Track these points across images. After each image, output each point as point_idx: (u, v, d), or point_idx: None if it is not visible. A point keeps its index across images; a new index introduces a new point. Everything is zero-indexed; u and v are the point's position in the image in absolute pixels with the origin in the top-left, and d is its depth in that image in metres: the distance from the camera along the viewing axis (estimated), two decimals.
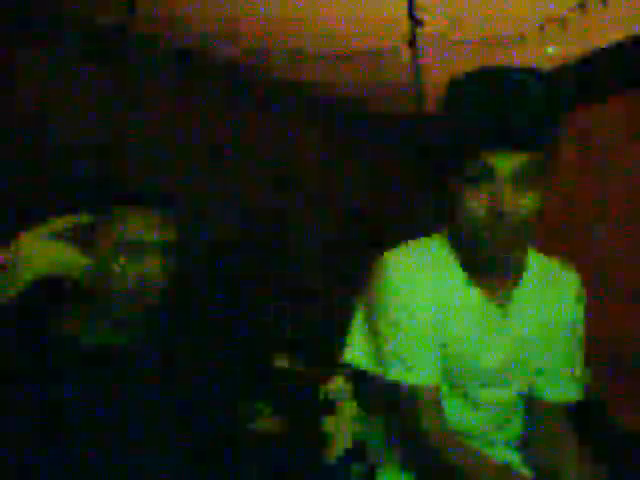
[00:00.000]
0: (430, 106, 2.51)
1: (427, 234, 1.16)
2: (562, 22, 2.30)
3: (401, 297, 1.07)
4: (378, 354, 1.09)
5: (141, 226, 1.00)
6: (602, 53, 2.57)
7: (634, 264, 2.41)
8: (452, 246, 1.10)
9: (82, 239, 0.93)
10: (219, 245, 2.80)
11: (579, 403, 1.13)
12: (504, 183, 0.94)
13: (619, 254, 2.45)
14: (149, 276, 1.00)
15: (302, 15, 2.40)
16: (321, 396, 1.13)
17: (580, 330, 1.14)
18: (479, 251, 1.01)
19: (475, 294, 1.07)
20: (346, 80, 2.97)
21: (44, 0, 2.38)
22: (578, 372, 1.13)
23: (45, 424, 0.93)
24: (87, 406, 0.96)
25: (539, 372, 1.12)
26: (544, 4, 2.27)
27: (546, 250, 1.15)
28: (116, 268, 0.98)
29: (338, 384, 1.13)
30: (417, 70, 2.39)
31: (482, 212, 0.95)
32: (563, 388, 1.12)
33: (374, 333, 1.11)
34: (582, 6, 2.20)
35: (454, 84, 1.00)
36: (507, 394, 1.11)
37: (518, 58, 2.55)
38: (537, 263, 1.12)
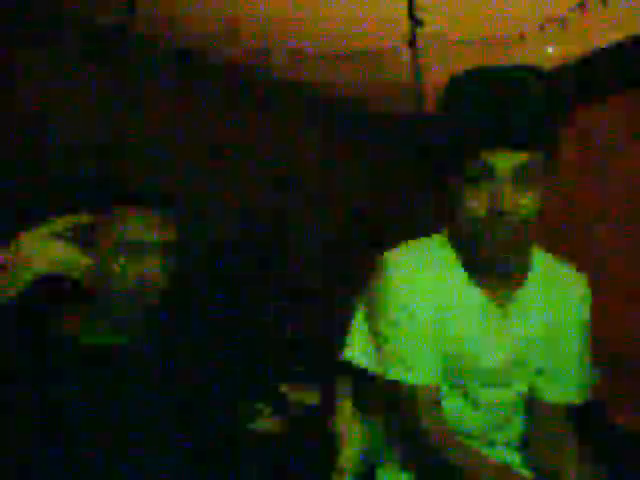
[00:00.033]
0: (430, 106, 2.51)
1: (427, 234, 1.16)
2: (562, 22, 2.30)
3: (401, 297, 1.07)
4: (378, 354, 1.09)
5: (141, 226, 1.00)
6: (602, 53, 2.57)
7: (634, 264, 2.41)
8: (452, 246, 1.10)
9: (82, 239, 0.93)
10: (219, 245, 2.80)
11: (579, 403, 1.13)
12: (504, 183, 0.94)
13: (619, 254, 2.46)
14: (149, 276, 1.00)
15: (302, 15, 2.40)
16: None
17: (585, 332, 1.13)
18: (479, 251, 1.01)
19: (476, 294, 1.07)
20: (346, 80, 2.96)
21: (44, 0, 2.38)
22: (582, 374, 1.12)
23: (45, 424, 0.93)
24: (87, 406, 0.96)
25: (541, 373, 1.11)
26: (544, 4, 2.27)
27: (546, 250, 1.15)
28: (116, 268, 0.98)
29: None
30: (417, 70, 2.38)
31: (482, 212, 0.95)
32: (565, 390, 1.11)
33: (374, 333, 1.11)
34: (582, 6, 2.20)
35: (454, 83, 1.00)
36: (508, 394, 1.11)
37: (518, 58, 2.55)
38: (543, 263, 1.11)
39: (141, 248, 1.00)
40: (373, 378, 1.11)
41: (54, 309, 1.01)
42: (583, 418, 1.13)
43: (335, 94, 3.17)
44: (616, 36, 2.50)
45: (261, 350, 2.51)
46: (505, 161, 0.93)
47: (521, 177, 0.94)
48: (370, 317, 1.13)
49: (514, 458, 1.17)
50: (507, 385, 1.10)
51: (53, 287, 0.95)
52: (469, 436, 1.11)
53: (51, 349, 0.97)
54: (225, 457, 1.11)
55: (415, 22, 2.18)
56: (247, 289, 2.84)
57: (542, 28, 2.37)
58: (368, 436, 1.25)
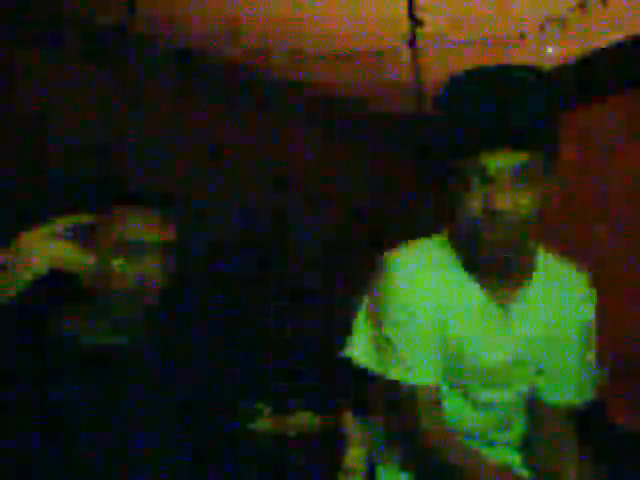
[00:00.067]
0: (430, 106, 2.51)
1: (427, 234, 1.16)
2: (562, 22, 2.30)
3: (402, 297, 1.07)
4: (379, 353, 1.09)
5: (141, 226, 1.01)
6: (602, 53, 2.57)
7: (634, 264, 2.41)
8: (452, 246, 1.10)
9: (82, 239, 0.93)
10: (219, 245, 2.80)
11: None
12: (503, 183, 0.94)
13: (619, 254, 2.46)
14: (149, 276, 1.00)
15: (302, 15, 2.40)
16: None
17: (590, 332, 1.11)
18: (479, 251, 1.01)
19: (476, 294, 1.07)
20: (346, 80, 2.96)
21: (44, 0, 2.38)
22: (584, 375, 1.11)
23: (45, 424, 0.93)
24: (87, 406, 0.96)
25: (542, 374, 1.11)
26: (544, 4, 2.27)
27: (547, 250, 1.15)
28: (116, 268, 0.98)
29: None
30: (417, 70, 2.39)
31: (480, 212, 0.95)
32: (566, 391, 1.11)
33: (376, 333, 1.11)
34: (582, 6, 2.20)
35: (453, 83, 1.00)
36: (508, 395, 1.11)
37: (518, 58, 2.55)
38: (547, 263, 1.10)
39: (141, 248, 1.00)
40: (374, 378, 1.11)
41: (54, 309, 1.01)
42: (583, 418, 1.12)
43: (335, 94, 3.16)
44: (616, 36, 2.50)
45: (261, 350, 2.51)
46: (503, 161, 0.93)
47: (520, 177, 0.94)
48: (371, 317, 1.13)
49: (514, 458, 1.17)
50: (507, 385, 1.10)
51: (53, 287, 0.95)
52: (469, 436, 1.11)
53: (51, 349, 0.97)
54: (225, 457, 1.11)
55: (415, 22, 2.18)
56: (247, 289, 2.83)
57: (542, 28, 2.37)
58: (368, 436, 1.24)
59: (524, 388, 1.11)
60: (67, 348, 0.99)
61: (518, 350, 1.07)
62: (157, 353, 1.08)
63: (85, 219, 0.95)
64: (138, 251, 1.00)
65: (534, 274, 1.09)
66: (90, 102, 2.52)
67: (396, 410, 1.12)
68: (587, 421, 1.13)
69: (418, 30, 2.21)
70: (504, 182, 0.93)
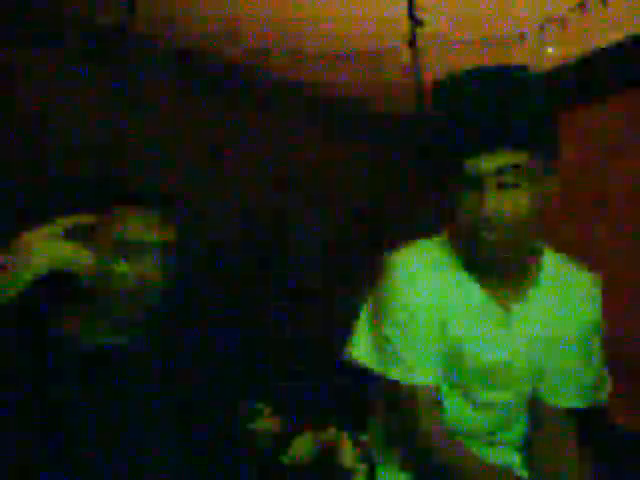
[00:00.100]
0: (430, 106, 2.50)
1: (427, 234, 1.16)
2: (562, 22, 2.30)
3: (402, 297, 1.07)
4: (379, 353, 1.10)
5: (141, 226, 1.01)
6: (602, 53, 2.56)
7: (634, 264, 2.41)
8: (453, 246, 1.10)
9: (82, 239, 0.93)
10: (219, 245, 2.80)
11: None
12: (503, 183, 0.94)
13: (619, 254, 2.45)
14: (149, 276, 1.00)
15: (302, 15, 2.40)
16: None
17: (594, 335, 1.10)
18: (479, 251, 1.01)
19: (476, 293, 1.07)
20: (346, 80, 2.96)
21: (44, 0, 2.38)
22: (588, 378, 1.10)
23: (45, 424, 0.93)
24: (87, 406, 0.96)
25: (544, 375, 1.10)
26: (544, 4, 2.26)
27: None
28: (116, 268, 0.98)
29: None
30: (417, 70, 2.38)
31: (481, 212, 0.95)
32: (568, 394, 1.09)
33: (377, 332, 1.11)
34: (582, 6, 2.20)
35: (451, 82, 1.00)
36: (509, 395, 1.10)
37: (518, 58, 2.55)
38: (553, 263, 1.10)
39: (141, 248, 1.00)
40: (376, 378, 1.11)
41: (54, 309, 1.01)
42: (583, 418, 1.12)
43: (335, 94, 3.16)
44: (616, 36, 2.50)
45: (261, 350, 2.50)
46: (502, 161, 0.93)
47: (519, 177, 0.93)
48: (372, 317, 1.14)
49: (515, 458, 1.17)
50: (508, 386, 1.10)
51: (53, 287, 0.95)
52: (469, 436, 1.11)
53: (51, 349, 0.97)
54: (225, 457, 1.11)
55: (415, 22, 2.17)
56: (247, 289, 2.83)
57: (542, 28, 2.37)
58: (369, 436, 1.25)
59: (525, 389, 1.11)
60: (67, 348, 0.99)
61: (519, 350, 1.07)
62: (157, 353, 1.08)
63: (85, 219, 0.95)
64: (138, 251, 1.00)
65: (539, 274, 1.08)
66: (90, 102, 2.52)
67: (396, 410, 1.12)
68: (587, 421, 1.12)
69: (418, 30, 2.21)
70: (504, 182, 0.93)
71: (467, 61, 2.52)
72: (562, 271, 1.10)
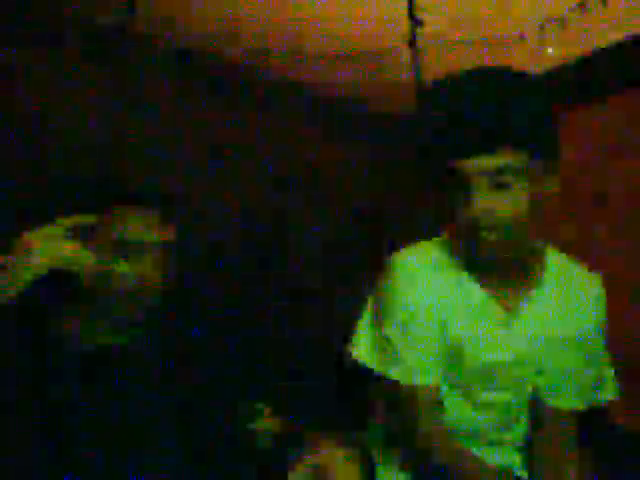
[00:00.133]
0: (429, 105, 2.50)
1: (428, 234, 1.16)
2: (562, 22, 2.30)
3: (403, 298, 1.07)
4: (380, 353, 1.10)
5: (141, 226, 1.01)
6: (602, 53, 2.56)
7: (634, 264, 2.41)
8: (453, 246, 1.10)
9: (82, 239, 0.93)
10: (219, 245, 2.80)
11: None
12: (496, 183, 0.94)
13: (619, 254, 2.45)
14: (149, 276, 1.00)
15: (302, 15, 2.40)
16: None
17: (598, 337, 1.10)
18: (479, 251, 1.01)
19: (477, 293, 1.07)
20: (346, 80, 2.96)
21: (44, 0, 2.38)
22: (589, 379, 1.09)
23: (45, 424, 0.93)
24: (87, 406, 0.96)
25: (546, 376, 1.10)
26: (544, 4, 2.26)
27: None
28: (116, 268, 0.98)
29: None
30: (417, 70, 2.38)
31: (480, 212, 0.95)
32: (570, 395, 1.09)
33: (377, 333, 1.11)
34: (582, 6, 2.19)
35: (450, 82, 1.00)
36: (509, 395, 1.10)
37: (518, 58, 2.55)
38: (557, 264, 1.09)
39: (141, 248, 1.00)
40: (377, 378, 1.11)
41: (54, 309, 1.01)
42: (583, 418, 1.12)
43: (335, 94, 3.16)
44: (616, 36, 2.49)
45: (261, 350, 2.50)
46: (502, 161, 0.93)
47: (518, 178, 0.93)
48: (373, 317, 1.14)
49: (515, 459, 1.17)
50: (508, 386, 1.09)
51: (53, 287, 0.95)
52: (470, 436, 1.11)
53: (51, 349, 0.97)
54: (225, 457, 1.11)
55: (415, 22, 2.17)
56: (247, 289, 2.83)
57: (542, 28, 2.37)
58: (369, 436, 1.25)
59: (526, 389, 1.11)
60: (67, 348, 0.99)
61: (520, 351, 1.07)
62: (157, 353, 1.08)
63: (85, 219, 0.95)
64: (138, 251, 1.00)
65: (542, 274, 1.08)
66: (90, 102, 2.52)
67: (396, 410, 1.12)
68: (587, 421, 1.12)
69: (418, 30, 2.21)
70: (497, 183, 0.93)
71: (467, 61, 2.51)
72: (566, 271, 1.10)
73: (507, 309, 1.07)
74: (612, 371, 1.13)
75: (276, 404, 1.15)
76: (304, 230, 3.16)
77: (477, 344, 1.06)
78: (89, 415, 0.96)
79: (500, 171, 0.92)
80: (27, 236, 0.89)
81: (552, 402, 1.10)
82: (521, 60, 2.58)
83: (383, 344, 1.09)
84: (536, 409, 1.13)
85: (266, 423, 1.11)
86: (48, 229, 0.90)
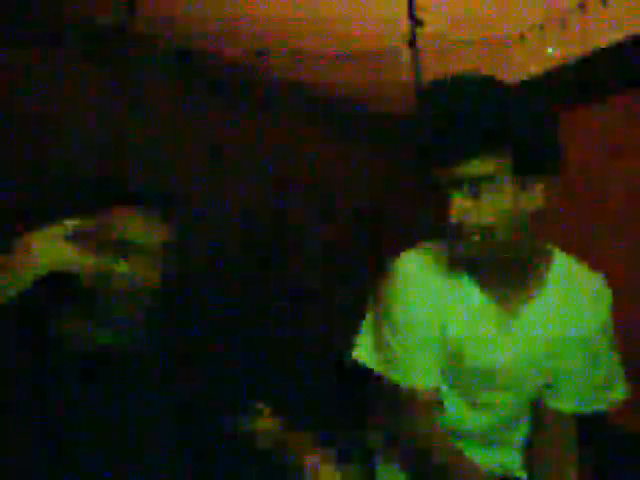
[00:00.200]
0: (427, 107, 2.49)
1: (428, 234, 1.16)
2: (562, 22, 2.30)
3: (402, 302, 1.07)
4: (380, 355, 1.10)
5: (141, 226, 1.01)
6: (602, 53, 2.56)
7: (634, 264, 2.41)
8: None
9: (83, 241, 0.93)
10: (219, 245, 2.80)
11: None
12: (473, 192, 0.94)
13: (619, 254, 2.45)
14: (149, 276, 1.00)
15: (302, 15, 2.40)
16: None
17: (603, 338, 1.09)
18: (465, 252, 1.00)
19: (476, 295, 1.07)
20: (346, 80, 2.96)
21: (44, 0, 2.38)
22: (594, 381, 1.08)
23: (45, 424, 0.93)
24: (87, 406, 0.96)
25: (547, 378, 1.09)
26: (544, 4, 2.26)
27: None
28: (116, 268, 0.98)
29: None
30: (417, 70, 2.38)
31: (455, 220, 0.95)
32: (573, 398, 1.09)
33: (378, 335, 1.11)
34: (582, 6, 2.19)
35: (427, 94, 1.01)
36: (510, 397, 1.10)
37: (518, 58, 2.55)
38: (562, 265, 1.09)
39: (141, 248, 1.00)
40: (377, 378, 1.12)
41: (54, 309, 1.01)
42: (583, 418, 1.12)
43: (335, 94, 3.16)
44: (616, 36, 2.49)
45: (261, 350, 2.50)
46: (459, 173, 0.93)
47: (480, 189, 0.94)
48: (375, 319, 1.14)
49: (515, 459, 1.17)
50: (508, 387, 1.09)
51: (53, 287, 0.95)
52: (470, 436, 1.11)
53: (51, 349, 0.97)
54: (225, 457, 1.11)
55: (415, 22, 2.17)
56: (247, 289, 2.83)
57: (542, 28, 2.37)
58: (369, 436, 1.25)
59: (527, 390, 1.10)
60: (67, 348, 0.99)
61: (520, 352, 1.07)
62: (157, 353, 1.08)
63: (86, 222, 0.95)
64: (138, 251, 1.00)
65: (547, 275, 1.07)
66: (90, 102, 2.52)
67: (396, 411, 1.12)
68: (587, 421, 1.12)
69: (418, 30, 2.21)
70: (478, 191, 0.94)
71: (467, 61, 2.52)
72: (570, 272, 1.09)
73: (508, 311, 1.07)
74: (621, 370, 1.12)
75: (276, 404, 1.15)
76: (304, 230, 3.16)
77: (477, 346, 1.06)
78: (89, 415, 0.96)
79: (475, 180, 0.93)
80: (27, 236, 0.89)
81: (553, 404, 1.09)
82: (521, 60, 2.58)
83: (383, 347, 1.09)
84: (537, 411, 1.12)
85: (266, 423, 1.11)
86: (49, 230, 0.90)
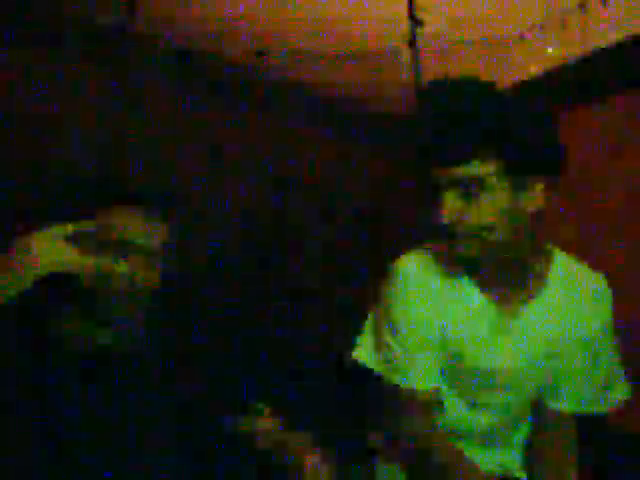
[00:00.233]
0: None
1: (428, 235, 1.16)
2: (562, 22, 2.30)
3: (402, 302, 1.07)
4: (380, 357, 1.10)
5: (141, 226, 1.00)
6: (602, 53, 2.56)
7: (634, 264, 2.41)
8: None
9: (83, 244, 0.93)
10: (219, 245, 2.80)
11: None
12: (464, 193, 0.95)
13: (619, 254, 2.45)
14: (149, 276, 1.00)
15: (302, 15, 2.40)
16: None
17: (605, 339, 1.08)
18: (459, 251, 1.00)
19: (476, 296, 1.07)
20: (346, 80, 2.96)
21: (44, 0, 2.38)
22: (595, 381, 1.08)
23: (45, 424, 0.93)
24: (87, 406, 0.96)
25: (548, 378, 1.09)
26: (544, 4, 2.26)
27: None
28: (116, 268, 0.98)
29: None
30: (417, 70, 2.38)
31: (446, 220, 0.96)
32: (574, 398, 1.08)
33: (378, 335, 1.12)
34: (582, 6, 2.19)
35: (422, 95, 1.01)
36: (509, 398, 1.10)
37: (518, 58, 2.55)
38: (563, 265, 1.08)
39: (141, 248, 1.00)
40: (377, 378, 1.12)
41: (54, 309, 1.01)
42: (583, 418, 1.12)
43: (335, 94, 3.16)
44: (616, 36, 2.49)
45: (261, 350, 2.50)
46: (452, 175, 0.94)
47: (472, 190, 0.94)
48: (376, 321, 1.14)
49: (515, 460, 1.17)
50: (509, 388, 1.09)
51: (53, 287, 0.95)
52: (470, 437, 1.11)
53: (51, 349, 0.97)
54: (225, 457, 1.11)
55: (415, 22, 2.17)
56: (247, 289, 2.83)
57: (542, 28, 2.37)
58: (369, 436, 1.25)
59: (527, 391, 1.10)
60: (67, 348, 0.99)
61: (520, 353, 1.06)
62: (157, 353, 1.08)
63: (87, 225, 0.95)
64: (138, 251, 1.00)
65: (548, 276, 1.07)
66: (90, 102, 2.52)
67: (396, 411, 1.12)
68: (587, 421, 1.12)
69: (418, 30, 2.21)
70: (470, 193, 0.94)
71: (467, 61, 2.52)
72: (571, 272, 1.09)
73: (507, 311, 1.06)
74: (622, 371, 1.11)
75: (276, 404, 1.15)
76: (304, 230, 3.16)
77: (477, 346, 1.06)
78: (89, 415, 0.96)
79: (475, 180, 0.93)
80: (28, 237, 0.89)
81: (553, 404, 1.09)
82: (521, 60, 2.58)
83: (383, 347, 1.09)
84: (537, 411, 1.12)
85: (266, 423, 1.11)
86: (49, 231, 0.90)
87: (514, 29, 2.42)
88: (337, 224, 3.29)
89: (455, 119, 0.91)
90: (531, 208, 0.96)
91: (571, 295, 1.07)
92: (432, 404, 1.07)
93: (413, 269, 1.09)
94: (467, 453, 1.07)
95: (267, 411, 1.14)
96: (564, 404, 1.09)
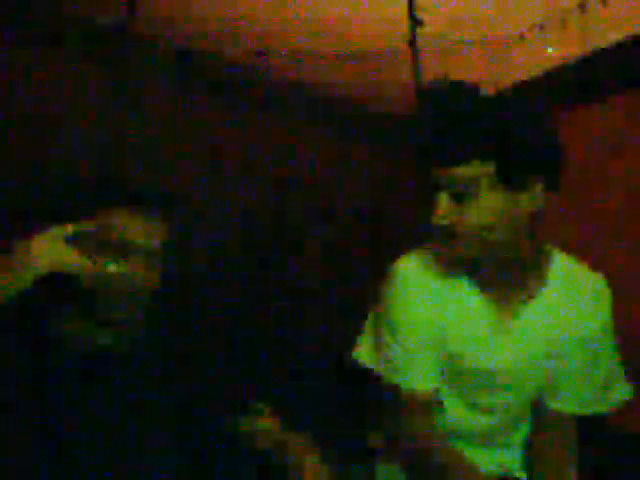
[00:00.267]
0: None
1: (428, 235, 1.16)
2: (562, 22, 2.30)
3: (402, 302, 1.08)
4: (380, 357, 1.10)
5: (141, 226, 1.00)
6: (602, 53, 2.56)
7: (634, 264, 2.41)
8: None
9: (83, 245, 0.93)
10: (219, 245, 2.80)
11: None
12: (457, 195, 0.95)
13: (619, 254, 2.45)
14: (149, 276, 1.00)
15: (302, 15, 2.40)
16: None
17: (605, 339, 1.08)
18: (471, 253, 1.00)
19: (476, 297, 1.07)
20: (346, 80, 2.96)
21: (44, 0, 2.38)
22: (594, 382, 1.08)
23: (45, 424, 0.93)
24: (87, 406, 0.96)
25: (547, 379, 1.09)
26: (544, 4, 2.26)
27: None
28: (116, 268, 0.98)
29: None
30: (417, 70, 2.38)
31: (441, 222, 0.96)
32: (572, 400, 1.08)
33: (378, 335, 1.12)
34: (582, 6, 2.19)
35: (424, 93, 1.01)
36: (509, 399, 1.10)
37: (518, 58, 2.55)
38: (562, 265, 1.08)
39: (141, 248, 1.00)
40: (377, 378, 1.12)
41: (54, 309, 1.01)
42: (583, 418, 1.12)
43: (335, 94, 3.16)
44: (616, 36, 2.49)
45: (261, 350, 2.50)
46: (464, 172, 0.94)
47: (465, 191, 0.94)
48: (376, 321, 1.15)
49: (515, 460, 1.17)
50: (509, 389, 1.09)
51: (53, 287, 0.95)
52: (470, 437, 1.11)
53: (51, 349, 0.97)
54: (225, 457, 1.11)
55: (415, 22, 2.17)
56: (247, 289, 2.83)
57: (542, 28, 2.37)
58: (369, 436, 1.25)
59: (527, 392, 1.10)
60: (67, 348, 0.99)
61: (520, 354, 1.06)
62: (157, 353, 1.08)
63: (87, 225, 0.95)
64: (138, 251, 1.00)
65: (547, 276, 1.07)
66: (90, 102, 2.52)
67: (395, 411, 1.12)
68: (587, 421, 1.12)
69: (418, 30, 2.21)
70: (463, 194, 0.94)
71: (467, 61, 2.52)
72: (571, 272, 1.09)
73: (507, 311, 1.06)
74: (622, 371, 1.11)
75: (276, 404, 1.15)
76: (304, 230, 3.16)
77: (476, 347, 1.06)
78: (89, 415, 0.96)
79: (475, 180, 0.93)
80: (28, 238, 0.89)
81: (553, 405, 1.09)
82: (521, 60, 2.58)
83: (383, 347, 1.09)
84: (537, 411, 1.12)
85: (266, 423, 1.11)
86: (49, 231, 0.90)
87: (514, 29, 2.42)
88: (337, 224, 3.29)
89: (455, 119, 0.91)
90: (531, 208, 0.96)
91: (571, 295, 1.06)
92: (432, 404, 1.07)
93: (413, 269, 1.09)
94: (467, 453, 1.07)
95: (267, 411, 1.14)
96: (564, 404, 1.08)
